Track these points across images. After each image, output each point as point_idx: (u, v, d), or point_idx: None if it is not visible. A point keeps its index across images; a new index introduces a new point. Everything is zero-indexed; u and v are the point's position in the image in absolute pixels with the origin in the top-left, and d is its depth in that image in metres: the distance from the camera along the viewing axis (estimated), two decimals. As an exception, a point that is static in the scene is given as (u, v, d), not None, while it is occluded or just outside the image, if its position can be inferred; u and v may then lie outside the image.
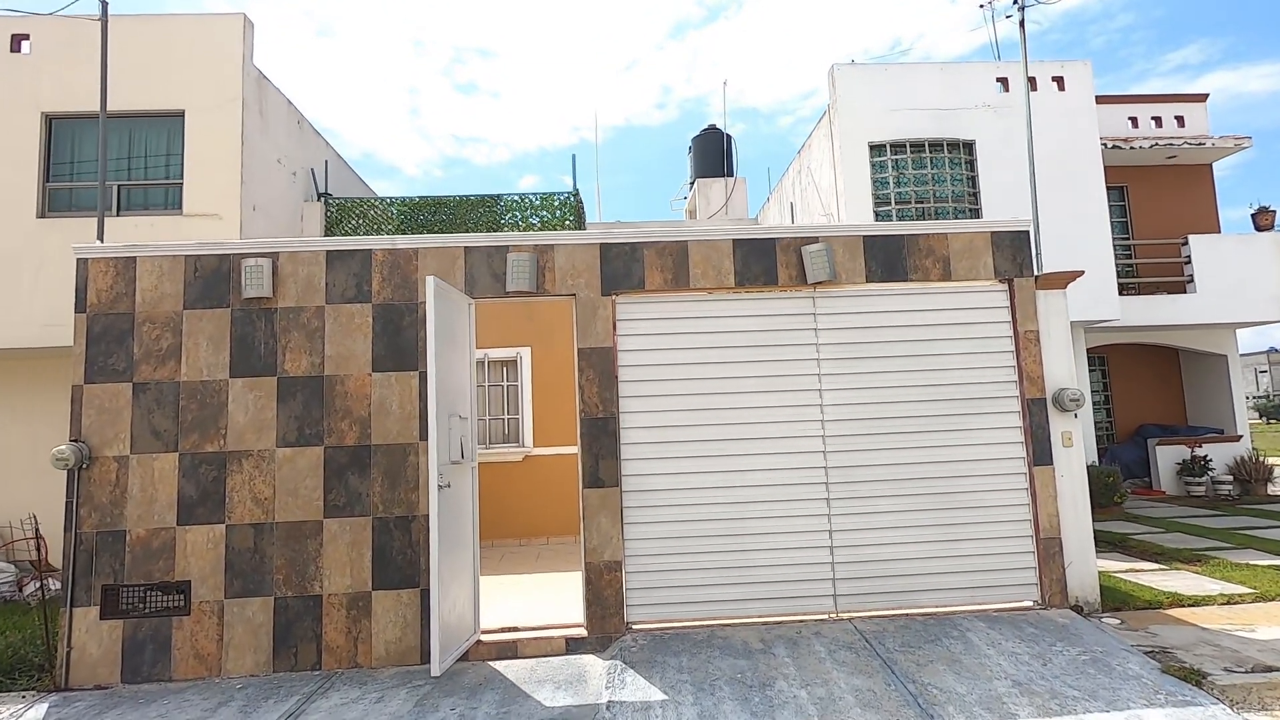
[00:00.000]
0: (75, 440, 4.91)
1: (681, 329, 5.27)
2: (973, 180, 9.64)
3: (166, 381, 5.02)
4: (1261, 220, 10.92)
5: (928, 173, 9.58)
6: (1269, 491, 11.04)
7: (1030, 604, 5.19)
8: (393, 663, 4.85)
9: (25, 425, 7.96)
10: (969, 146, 9.67)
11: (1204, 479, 11.01)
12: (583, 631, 5.00)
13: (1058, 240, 8.66)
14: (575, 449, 9.06)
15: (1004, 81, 9.81)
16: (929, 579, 5.17)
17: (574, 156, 9.59)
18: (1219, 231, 11.99)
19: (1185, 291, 10.86)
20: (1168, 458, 11.36)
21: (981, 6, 11.58)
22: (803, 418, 5.25)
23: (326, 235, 9.24)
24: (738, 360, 5.26)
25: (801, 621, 5.07)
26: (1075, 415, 5.35)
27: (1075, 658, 4.38)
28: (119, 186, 7.79)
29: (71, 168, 7.85)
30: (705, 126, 16.77)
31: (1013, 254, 5.41)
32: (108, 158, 7.23)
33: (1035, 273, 5.43)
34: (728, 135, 16.48)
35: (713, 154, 16.21)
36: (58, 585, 6.28)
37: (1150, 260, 11.52)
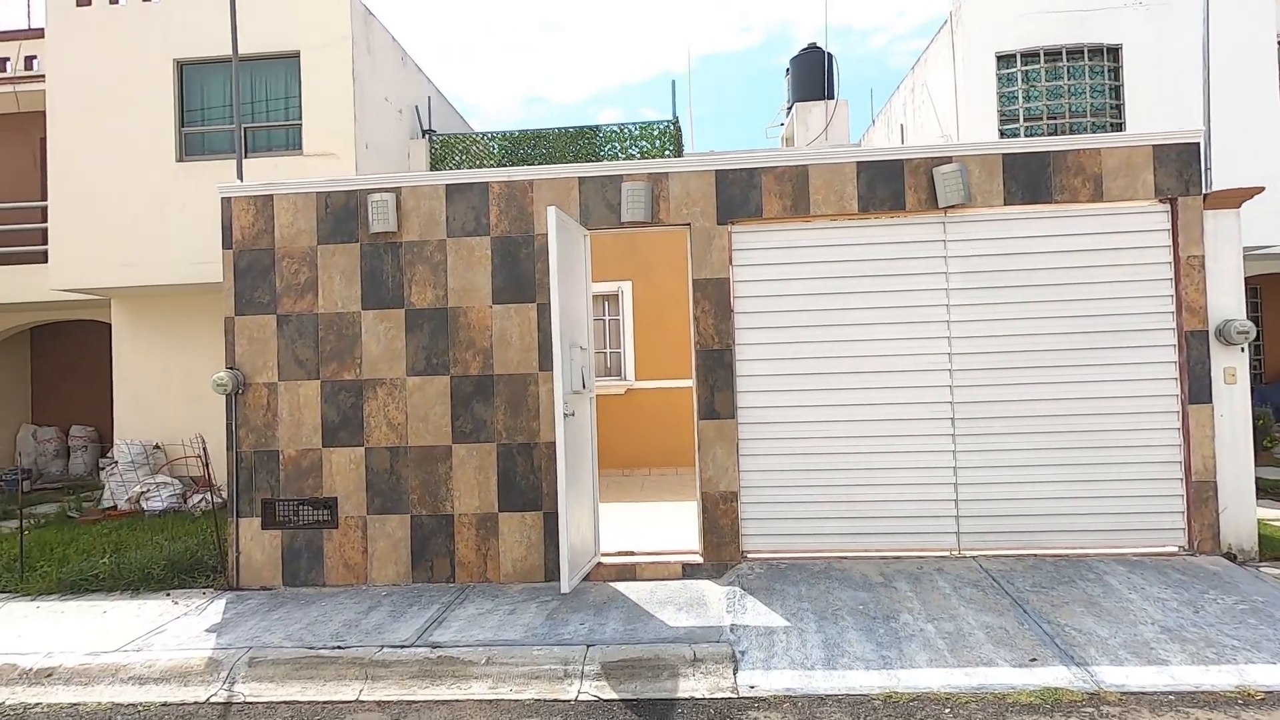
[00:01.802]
0: (231, 368, 5.33)
1: (801, 259, 5.08)
2: (1116, 91, 8.65)
3: (306, 313, 5.33)
4: None
5: (1063, 84, 8.66)
6: None
7: (1175, 549, 4.87)
8: (519, 579, 5.14)
9: (181, 355, 8.74)
10: (1113, 52, 8.63)
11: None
12: (698, 558, 5.11)
13: (1220, 155, 7.70)
14: (676, 383, 9.16)
15: (1161, -27, 8.61)
16: (1061, 519, 4.94)
17: (674, 83, 9.28)
18: None
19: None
20: (1328, 400, 10.24)
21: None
22: (929, 350, 5.01)
23: (432, 171, 9.43)
24: (860, 290, 5.04)
25: (922, 558, 4.98)
26: (1242, 350, 4.84)
27: (1231, 606, 4.10)
28: (245, 129, 8.17)
29: (202, 112, 8.28)
30: (805, 46, 15.78)
31: (1178, 170, 4.85)
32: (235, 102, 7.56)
33: (1204, 190, 4.86)
34: (829, 54, 15.44)
35: (813, 75, 15.26)
36: (218, 500, 6.99)
37: (1262, 188, 10.09)
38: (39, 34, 9.56)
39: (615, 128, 9.23)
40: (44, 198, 8.91)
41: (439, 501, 5.22)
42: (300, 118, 8.03)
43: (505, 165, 9.42)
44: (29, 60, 10.31)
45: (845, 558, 5.04)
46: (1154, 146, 4.85)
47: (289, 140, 8.18)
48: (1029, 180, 4.91)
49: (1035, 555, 4.93)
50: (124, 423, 8.86)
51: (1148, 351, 4.89)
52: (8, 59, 10.64)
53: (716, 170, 5.10)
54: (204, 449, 5.74)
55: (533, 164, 9.38)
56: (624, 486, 8.13)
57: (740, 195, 5.08)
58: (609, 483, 8.39)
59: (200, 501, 7.95)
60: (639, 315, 9.07)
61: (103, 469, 9.20)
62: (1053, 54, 8.65)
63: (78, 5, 8.20)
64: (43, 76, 8.80)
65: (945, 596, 4.38)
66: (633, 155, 9.20)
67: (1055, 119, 8.66)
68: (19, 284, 9.26)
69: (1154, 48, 8.48)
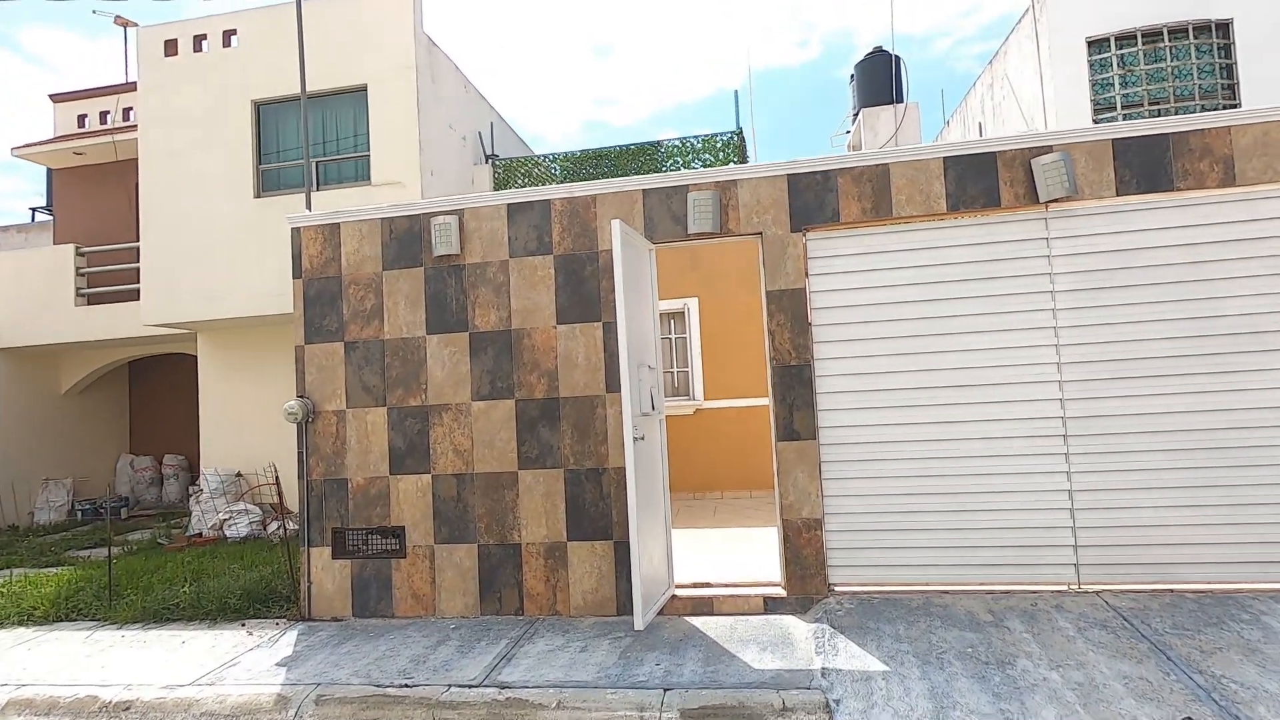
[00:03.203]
0: (302, 396, 5.34)
1: (884, 264, 4.69)
2: (1228, 70, 7.86)
3: (372, 340, 5.29)
4: None
5: (1165, 66, 7.94)
6: None
7: (1347, 585, 4.17)
8: (589, 612, 4.88)
9: (259, 385, 9.00)
10: (1223, 28, 7.87)
11: None
12: (780, 591, 4.73)
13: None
14: (747, 401, 8.80)
15: (1275, -61, 7.82)
16: (1201, 549, 4.32)
17: (736, 94, 9.02)
18: None
19: None
20: None
21: None
22: (1034, 360, 4.51)
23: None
24: (952, 297, 4.61)
25: (1035, 592, 4.45)
26: None
27: None
28: (316, 163, 8.40)
29: (278, 149, 8.58)
30: (870, 50, 15.28)
31: (1327, 145, 4.22)
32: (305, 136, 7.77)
33: (1361, 167, 4.21)
34: (896, 57, 14.88)
35: (880, 79, 14.72)
36: (293, 526, 7.06)
37: None
38: (134, 87, 10.21)
39: (677, 142, 9.05)
40: (138, 239, 9.42)
41: (506, 530, 5.04)
42: (368, 149, 8.19)
43: (567, 186, 9.37)
44: (125, 112, 11.03)
45: (946, 592, 4.56)
46: (1296, 121, 4.25)
47: (358, 172, 8.36)
48: (1145, 167, 4.38)
49: (1171, 591, 4.32)
50: (209, 452, 9.17)
51: (1299, 355, 4.25)
52: (108, 112, 11.41)
53: (788, 175, 4.79)
54: (276, 477, 5.77)
55: (594, 183, 9.28)
56: (695, 512, 7.79)
57: (815, 200, 4.75)
58: (679, 508, 8.06)
59: (278, 528, 8.09)
60: (706, 332, 8.78)
61: (191, 496, 9.54)
62: (1151, 35, 7.96)
63: (165, 55, 8.67)
64: (136, 126, 9.35)
65: (1069, 639, 3.85)
66: (695, 169, 8.98)
67: (1158, 104, 7.94)
68: (116, 321, 9.78)
69: (1270, 21, 7.67)
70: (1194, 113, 7.85)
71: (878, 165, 4.68)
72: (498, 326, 5.13)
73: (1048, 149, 4.47)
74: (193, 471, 11.33)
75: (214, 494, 8.61)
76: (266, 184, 8.57)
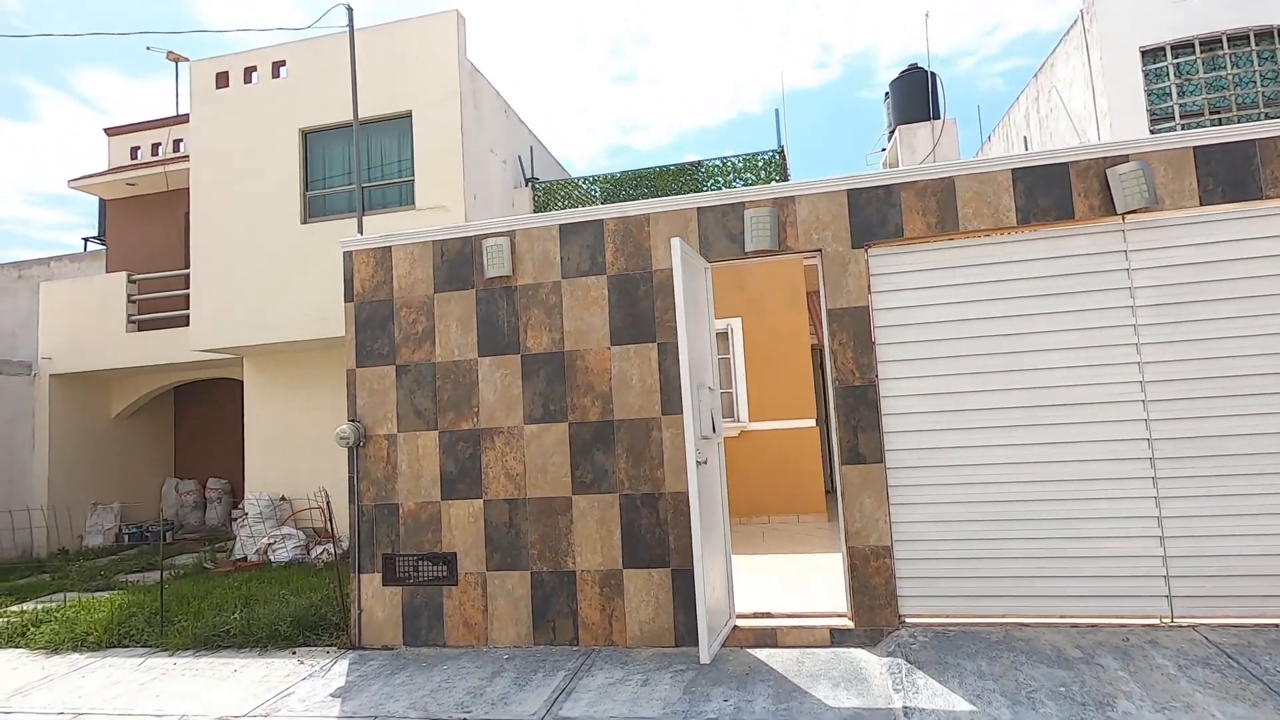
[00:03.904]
0: (353, 420, 5.31)
1: (951, 280, 4.52)
2: (1293, 76, 7.59)
3: (424, 363, 5.25)
4: None
5: (1226, 74, 7.69)
6: None
7: None
8: (647, 643, 4.71)
9: (305, 409, 9.06)
10: (1286, 33, 7.61)
11: None
12: (848, 622, 4.52)
13: None
14: (793, 423, 8.59)
15: (1338, -58, 7.58)
16: (1308, 581, 4.01)
17: (777, 111, 8.95)
18: None
19: None
20: None
21: None
22: (1115, 379, 4.28)
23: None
24: (1024, 313, 4.41)
25: (1125, 626, 4.18)
26: None
27: None
28: (363, 188, 8.51)
29: (324, 176, 8.71)
30: (905, 67, 15.16)
31: None
32: (352, 163, 7.89)
33: None
34: (932, 74, 14.74)
35: (916, 96, 14.58)
36: (339, 551, 7.01)
37: None
38: (185, 119, 10.50)
39: (718, 161, 8.99)
40: (187, 266, 9.61)
41: (560, 557, 4.91)
42: (412, 174, 8.27)
43: (607, 207, 9.35)
44: (176, 144, 11.35)
45: (1025, 625, 4.30)
46: (1395, 123, 4.02)
47: (402, 197, 8.44)
48: (1230, 175, 4.17)
49: (1276, 626, 4.01)
50: (253, 476, 9.22)
51: None
52: (159, 144, 11.75)
53: (848, 190, 4.67)
54: (327, 502, 5.73)
55: (635, 204, 9.26)
56: (744, 537, 7.58)
57: (876, 215, 4.62)
58: (727, 532, 7.86)
59: (322, 553, 8.06)
60: (750, 353, 8.63)
61: (235, 520, 9.59)
62: (1210, 42, 7.73)
63: (217, 87, 8.90)
64: (187, 156, 9.59)
65: (1170, 678, 3.59)
66: (749, 186, 8.90)
67: (1219, 113, 7.68)
68: (166, 346, 9.96)
69: (1337, 24, 7.40)
70: (1259, 120, 7.57)
71: (942, 179, 4.54)
72: (550, 348, 5.05)
73: (1124, 158, 4.29)
74: (235, 495, 11.42)
75: (258, 518, 8.63)
76: (313, 210, 8.70)
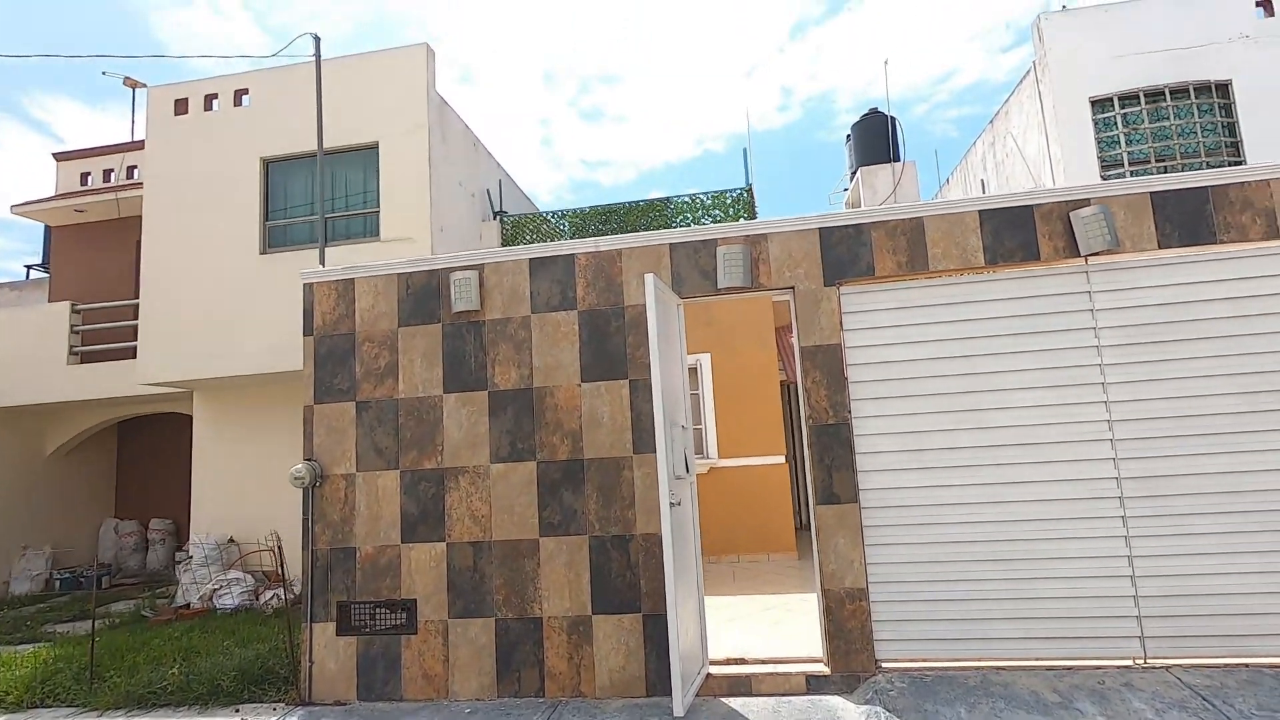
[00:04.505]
0: (309, 459, 5.06)
1: (922, 319, 4.55)
2: (1230, 128, 8.01)
3: (386, 399, 5.06)
4: None
5: (1169, 125, 8.08)
6: None
7: None
8: (617, 693, 4.51)
9: (259, 446, 8.67)
10: (1223, 88, 8.05)
11: None
12: (824, 668, 4.39)
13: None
14: (762, 459, 8.53)
15: (1265, 4, 8.10)
16: (1277, 620, 4.04)
17: (745, 150, 9.08)
18: None
19: None
20: None
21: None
22: (1083, 418, 4.32)
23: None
24: (993, 353, 4.45)
25: (1099, 668, 4.14)
26: None
27: None
28: (326, 219, 8.31)
29: (285, 206, 8.50)
30: (866, 111, 15.65)
31: (1369, 198, 4.17)
32: (316, 193, 7.71)
33: (1405, 220, 4.15)
34: (892, 117, 15.25)
35: (876, 139, 15.03)
36: (289, 596, 6.64)
37: None
38: (140, 146, 10.20)
39: (687, 198, 9.05)
40: (137, 296, 9.22)
41: (526, 603, 4.70)
42: (378, 205, 8.12)
43: (576, 242, 9.31)
44: (130, 170, 11.00)
45: (1002, 669, 4.24)
46: (1335, 173, 4.21)
47: (366, 228, 8.27)
48: (1185, 220, 4.31)
49: (1247, 665, 4.02)
50: (200, 516, 8.75)
51: (1359, 411, 4.08)
52: (112, 170, 11.38)
53: (820, 228, 4.69)
54: (279, 546, 5.42)
55: (604, 239, 9.24)
56: (715, 576, 7.43)
57: (848, 253, 4.64)
58: (697, 572, 7.70)
59: (272, 598, 7.64)
60: (719, 388, 8.59)
61: (179, 564, 9.06)
62: (1154, 94, 8.13)
63: (175, 114, 8.67)
64: (141, 184, 9.27)
65: (1149, 723, 3.54)
66: (720, 224, 8.96)
67: (1164, 161, 8.04)
68: (110, 379, 9.48)
69: (1267, 82, 7.86)
70: (1200, 169, 7.94)
71: (911, 219, 4.59)
72: (518, 385, 4.91)
73: (1086, 202, 4.40)
74: (180, 537, 10.83)
75: (204, 562, 8.16)
76: (273, 240, 8.46)
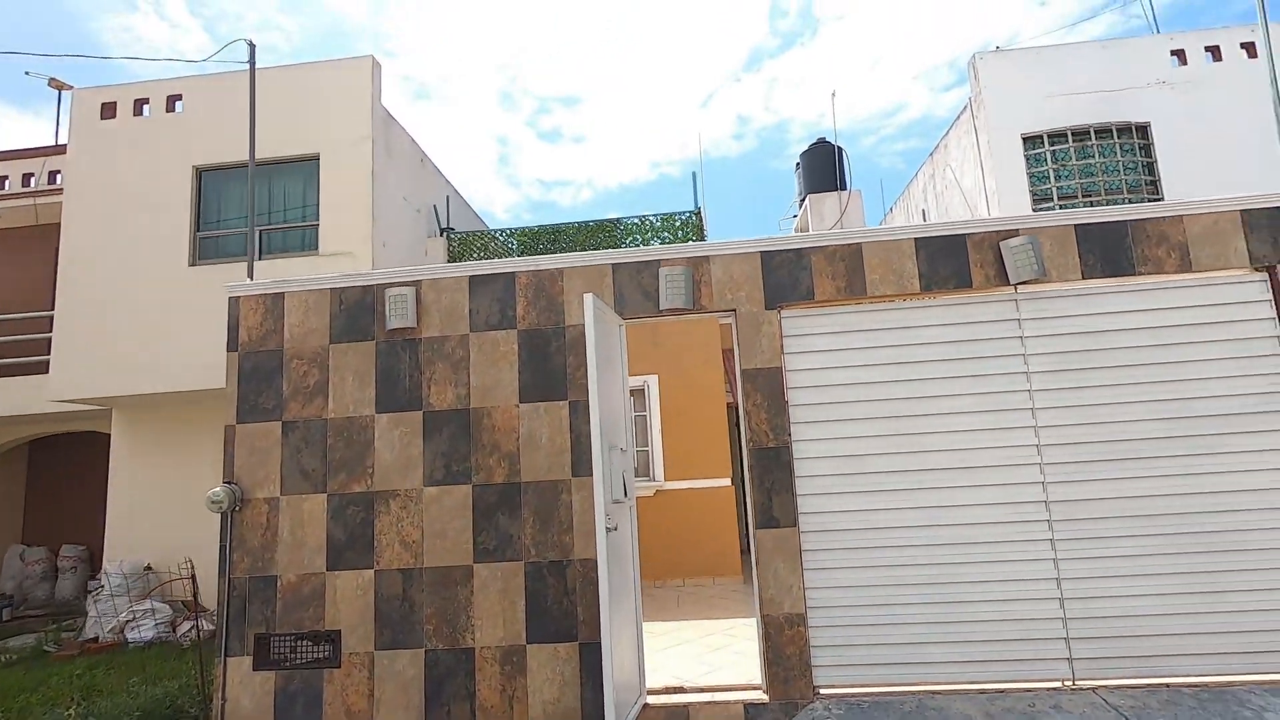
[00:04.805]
0: (229, 482, 4.79)
1: (861, 343, 4.60)
2: (1150, 167, 8.46)
3: (314, 419, 4.84)
4: None
5: (1094, 162, 8.49)
6: None
7: (1337, 674, 4.07)
8: (551, 726, 4.35)
9: (182, 468, 8.21)
10: (1142, 130, 8.52)
11: None
12: (763, 695, 4.33)
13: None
14: (709, 482, 8.51)
15: (1180, 54, 8.63)
16: (1193, 640, 4.17)
17: (695, 174, 9.17)
18: None
19: None
20: None
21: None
22: (1013, 442, 4.42)
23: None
24: (929, 377, 4.52)
25: (1030, 690, 4.18)
26: (1378, 432, 4.23)
27: None
28: (261, 231, 8.01)
29: (219, 217, 8.16)
30: (814, 140, 16.06)
31: (1273, 236, 4.42)
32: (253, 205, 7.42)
33: (1303, 257, 4.41)
34: (839, 147, 15.66)
35: (824, 167, 15.38)
36: (209, 626, 6.26)
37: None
38: (62, 150, 9.70)
39: (636, 220, 9.07)
40: (54, 307, 8.69)
41: (458, 633, 4.51)
42: (317, 218, 7.87)
43: (524, 260, 9.21)
44: (52, 175, 10.44)
45: (937, 693, 4.24)
46: (1241, 211, 4.45)
47: (305, 241, 8.00)
48: (1107, 252, 4.48)
49: (1168, 686, 4.12)
50: (116, 541, 8.21)
51: (1265, 437, 4.28)
52: (32, 174, 10.78)
53: (762, 251, 4.72)
54: (192, 572, 5.10)
55: (552, 258, 9.16)
56: (658, 602, 7.32)
57: (789, 277, 4.67)
58: (641, 597, 7.57)
59: (191, 630, 7.18)
60: (666, 410, 8.55)
61: (90, 593, 8.46)
62: (1080, 133, 8.54)
63: (102, 118, 8.28)
64: (62, 189, 8.79)
65: (1076, 746, 3.57)
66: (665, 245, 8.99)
67: (1091, 196, 8.43)
68: (17, 396, 8.88)
69: (1184, 125, 8.36)
70: (1123, 204, 8.35)
71: (850, 244, 4.66)
72: (454, 405, 4.76)
73: (1015, 232, 4.54)
74: (94, 565, 10.15)
75: (117, 591, 7.63)
76: (204, 252, 8.10)
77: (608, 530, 3.89)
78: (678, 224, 8.95)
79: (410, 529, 4.66)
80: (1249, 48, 8.55)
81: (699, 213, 8.94)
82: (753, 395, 4.59)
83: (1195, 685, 4.10)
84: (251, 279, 5.60)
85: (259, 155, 7.59)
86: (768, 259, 4.71)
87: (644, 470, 8.55)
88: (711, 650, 5.38)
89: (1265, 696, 3.92)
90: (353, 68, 8.05)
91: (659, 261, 4.79)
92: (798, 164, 16.57)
